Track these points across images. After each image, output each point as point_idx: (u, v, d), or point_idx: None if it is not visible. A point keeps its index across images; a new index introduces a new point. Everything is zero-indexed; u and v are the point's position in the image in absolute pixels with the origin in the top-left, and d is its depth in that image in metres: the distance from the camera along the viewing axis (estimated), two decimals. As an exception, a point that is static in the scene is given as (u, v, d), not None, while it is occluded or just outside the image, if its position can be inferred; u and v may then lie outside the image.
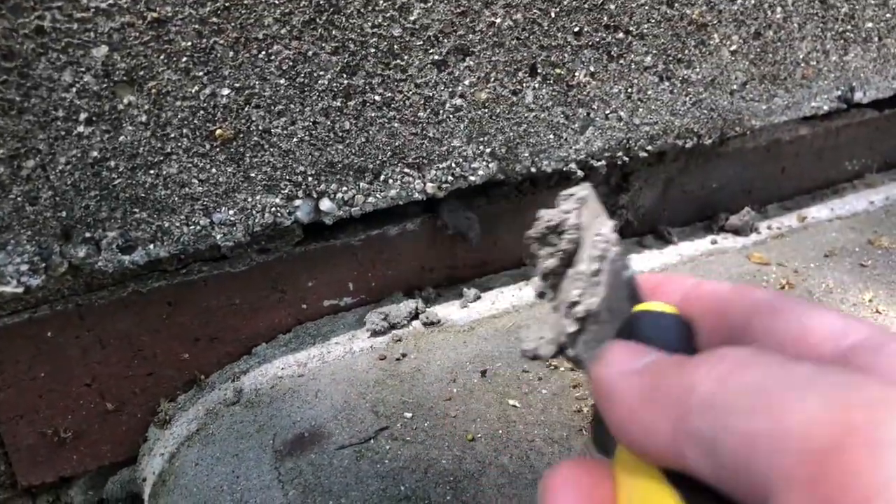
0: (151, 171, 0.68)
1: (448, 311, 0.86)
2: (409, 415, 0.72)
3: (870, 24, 0.98)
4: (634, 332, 0.30)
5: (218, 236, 0.73)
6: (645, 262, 0.94)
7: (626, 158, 0.88)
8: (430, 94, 0.76)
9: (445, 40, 0.74)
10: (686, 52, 0.87)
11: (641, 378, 0.24)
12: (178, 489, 0.71)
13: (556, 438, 0.69)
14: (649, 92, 0.86)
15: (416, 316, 0.85)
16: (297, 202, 0.75)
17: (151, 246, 0.71)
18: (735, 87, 0.92)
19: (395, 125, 0.76)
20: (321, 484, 0.66)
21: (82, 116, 0.64)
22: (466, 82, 0.77)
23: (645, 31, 0.83)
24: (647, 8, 0.82)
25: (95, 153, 0.66)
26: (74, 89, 0.63)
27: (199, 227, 0.72)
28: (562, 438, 0.69)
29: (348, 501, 0.64)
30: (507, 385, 0.75)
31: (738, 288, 0.30)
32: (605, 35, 0.81)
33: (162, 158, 0.68)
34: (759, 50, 0.91)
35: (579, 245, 0.40)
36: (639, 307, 0.31)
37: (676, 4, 0.83)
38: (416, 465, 0.67)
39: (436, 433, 0.70)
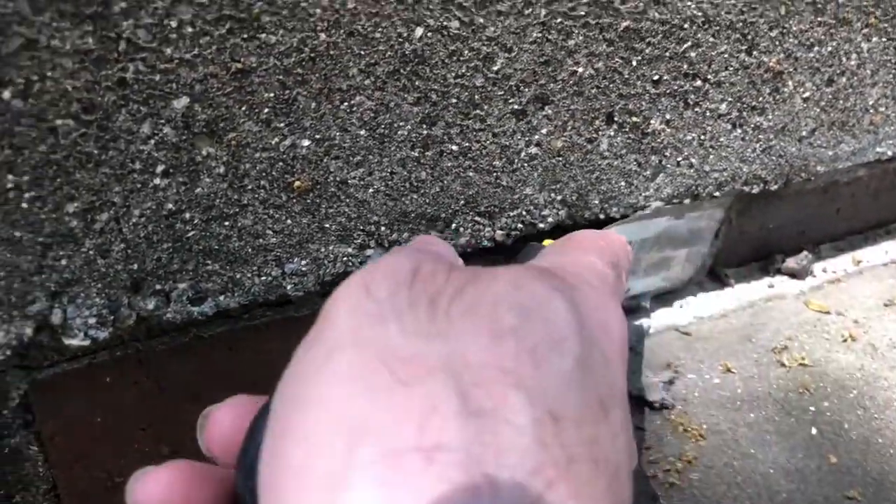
0: (226, 223, 0.66)
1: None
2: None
3: (939, 70, 0.97)
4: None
5: (289, 286, 0.71)
6: (703, 307, 0.93)
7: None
8: (507, 143, 0.74)
9: (526, 90, 0.72)
10: (760, 99, 0.84)
11: None
12: (238, 543, 0.70)
13: None
14: (721, 139, 0.84)
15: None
16: (369, 251, 0.73)
17: (221, 297, 0.68)
18: (804, 133, 0.90)
19: (471, 174, 0.73)
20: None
21: (159, 168, 0.62)
22: (543, 131, 0.75)
23: (722, 78, 0.81)
24: (726, 56, 0.80)
25: (171, 205, 0.63)
26: (153, 141, 0.60)
27: (270, 278, 0.70)
28: None
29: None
30: (577, 444, 0.74)
31: (579, 236, 0.35)
32: (683, 83, 0.79)
33: (238, 210, 0.66)
34: (830, 97, 0.89)
35: None
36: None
37: (755, 52, 0.81)
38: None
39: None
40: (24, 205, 0.59)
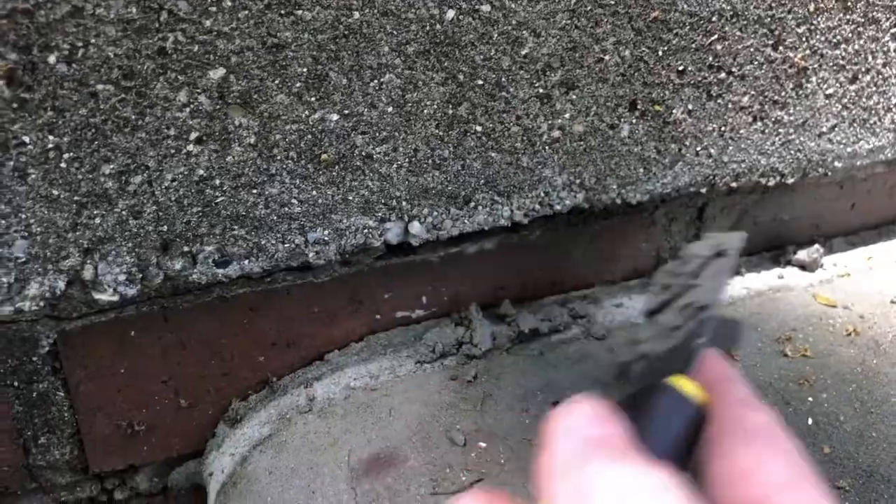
0: (254, 191, 0.68)
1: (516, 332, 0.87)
2: (483, 444, 0.74)
3: (965, 72, 0.97)
4: (652, 398, 0.34)
5: (311, 255, 0.73)
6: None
7: (707, 193, 0.88)
8: (530, 126, 0.75)
9: (552, 75, 0.73)
10: (783, 94, 0.85)
11: (568, 442, 0.29)
12: (251, 495, 0.73)
13: (629, 484, 0.70)
14: (741, 131, 0.85)
15: (487, 336, 0.85)
16: (389, 224, 0.75)
17: (246, 261, 0.71)
18: (824, 129, 0.90)
19: (492, 154, 0.75)
20: (398, 511, 0.68)
21: (193, 136, 0.64)
22: (567, 115, 0.76)
23: (747, 72, 0.82)
24: (752, 50, 0.80)
25: (202, 171, 0.65)
26: (188, 109, 0.63)
27: (293, 246, 0.72)
28: (634, 484, 0.70)
29: (426, 533, 0.66)
30: (579, 421, 0.76)
31: (738, 399, 0.33)
32: (707, 75, 0.80)
33: (266, 179, 0.68)
34: (853, 94, 0.90)
35: (682, 292, 0.43)
36: (672, 378, 0.34)
37: (781, 47, 0.82)
38: (491, 501, 0.68)
39: (511, 467, 0.71)
40: (63, 164, 0.61)
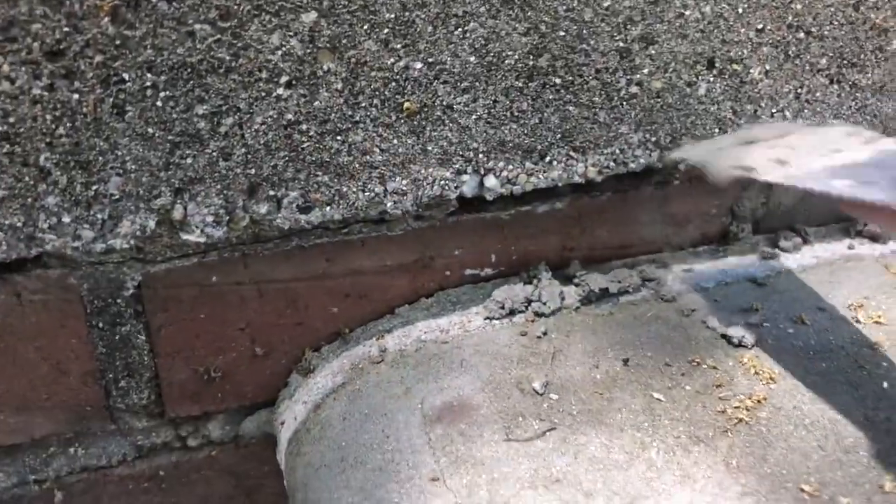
0: (338, 138, 0.69)
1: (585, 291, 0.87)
2: (554, 396, 0.74)
3: None
4: None
5: (388, 204, 0.74)
6: (780, 261, 0.94)
7: (781, 157, 0.87)
8: (609, 80, 0.75)
9: (633, 28, 0.73)
10: (862, 56, 0.84)
11: None
12: (325, 440, 0.75)
13: (702, 437, 0.70)
14: (817, 94, 0.85)
15: (556, 294, 0.86)
16: (465, 177, 0.76)
17: (328, 208, 0.72)
18: (902, 94, 0.89)
19: (570, 108, 0.76)
20: (473, 455, 0.69)
21: (283, 79, 0.65)
22: (645, 71, 0.76)
23: (826, 32, 0.81)
24: (832, 10, 0.80)
25: (290, 116, 0.67)
26: (280, 52, 0.64)
27: (373, 195, 0.73)
28: (707, 437, 0.70)
29: (501, 477, 0.66)
30: (650, 377, 0.76)
31: None
32: (786, 34, 0.79)
33: (350, 126, 0.69)
34: (933, 59, 0.88)
35: None
36: None
37: (862, 8, 0.81)
38: (565, 449, 0.69)
39: (582, 418, 0.72)
40: (159, 103, 0.63)
